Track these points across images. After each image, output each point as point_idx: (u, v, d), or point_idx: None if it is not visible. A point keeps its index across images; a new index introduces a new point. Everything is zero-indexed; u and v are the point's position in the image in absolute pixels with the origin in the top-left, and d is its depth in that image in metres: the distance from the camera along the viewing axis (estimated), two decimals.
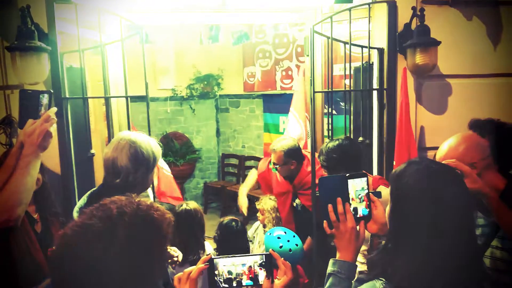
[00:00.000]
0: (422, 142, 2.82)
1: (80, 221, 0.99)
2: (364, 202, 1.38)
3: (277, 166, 3.12)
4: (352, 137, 2.82)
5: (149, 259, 0.99)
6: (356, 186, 1.37)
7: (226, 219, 2.85)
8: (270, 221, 3.10)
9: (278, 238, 2.52)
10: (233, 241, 2.76)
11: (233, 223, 2.80)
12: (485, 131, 1.87)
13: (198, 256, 2.63)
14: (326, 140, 2.83)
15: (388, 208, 1.32)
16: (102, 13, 2.56)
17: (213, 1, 2.78)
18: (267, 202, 3.23)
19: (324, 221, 1.36)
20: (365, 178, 1.39)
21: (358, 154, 2.53)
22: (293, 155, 3.07)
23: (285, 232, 2.59)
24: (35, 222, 2.23)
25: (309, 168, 2.95)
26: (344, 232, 1.33)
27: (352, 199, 1.36)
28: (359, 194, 1.37)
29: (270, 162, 3.28)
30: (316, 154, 2.71)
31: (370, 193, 1.42)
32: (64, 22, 2.61)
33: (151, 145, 1.93)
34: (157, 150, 1.96)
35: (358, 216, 1.37)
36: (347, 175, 1.36)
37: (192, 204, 2.89)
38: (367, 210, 1.39)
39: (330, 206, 1.34)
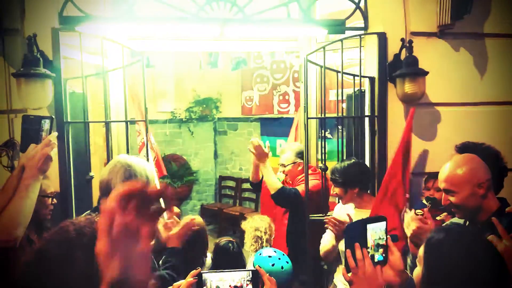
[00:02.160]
0: (412, 167, 2.90)
1: (37, 247, 0.94)
2: (381, 249, 1.35)
3: (285, 168, 3.22)
4: None
5: None
6: (376, 231, 1.34)
7: (223, 240, 2.88)
8: (249, 239, 3.05)
9: (269, 257, 2.57)
10: (230, 263, 2.79)
11: (230, 244, 2.82)
12: (471, 151, 1.96)
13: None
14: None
15: (418, 270, 1.32)
16: (104, 40, 2.67)
17: (211, 31, 2.90)
18: (253, 221, 3.20)
19: (342, 267, 1.33)
20: (384, 222, 1.37)
21: (368, 172, 2.69)
22: (301, 156, 3.21)
23: (275, 252, 2.64)
24: (32, 243, 2.28)
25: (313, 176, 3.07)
26: (362, 278, 1.29)
27: (372, 246, 1.33)
28: (379, 238, 1.35)
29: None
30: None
31: (387, 237, 1.39)
32: (66, 47, 2.72)
33: (146, 169, 1.94)
34: (152, 175, 1.97)
35: (375, 260, 1.34)
36: (366, 219, 1.35)
37: (197, 219, 2.91)
38: (383, 255, 1.36)
39: (348, 252, 1.31)
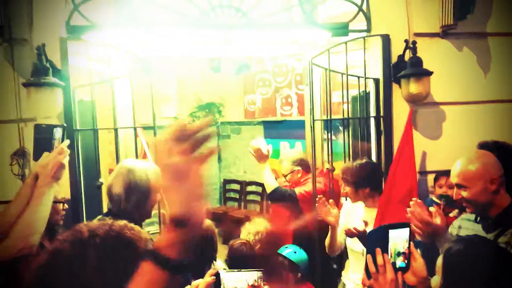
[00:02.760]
0: (418, 166, 2.92)
1: (52, 247, 0.98)
2: (402, 256, 1.34)
3: (286, 178, 3.31)
4: None
5: (124, 279, 0.93)
6: (399, 237, 1.33)
7: (237, 242, 2.90)
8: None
9: (286, 247, 2.65)
10: (245, 264, 2.81)
11: (243, 246, 2.85)
12: (492, 150, 2.00)
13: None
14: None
15: (437, 280, 1.31)
16: (109, 48, 2.70)
17: (215, 36, 2.93)
18: (249, 225, 3.23)
19: (363, 273, 1.32)
20: (408, 229, 1.36)
21: (380, 172, 2.72)
22: (298, 163, 3.26)
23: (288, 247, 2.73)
24: (46, 251, 2.30)
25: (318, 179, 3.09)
26: (383, 284, 1.28)
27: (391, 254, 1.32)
28: (402, 245, 1.34)
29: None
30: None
31: (410, 243, 1.38)
32: (72, 55, 2.74)
33: (148, 174, 1.94)
34: (154, 179, 1.95)
35: (396, 267, 1.32)
36: (389, 225, 1.33)
37: (207, 222, 2.93)
38: (405, 262, 1.35)
39: (369, 257, 1.30)
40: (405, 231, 1.34)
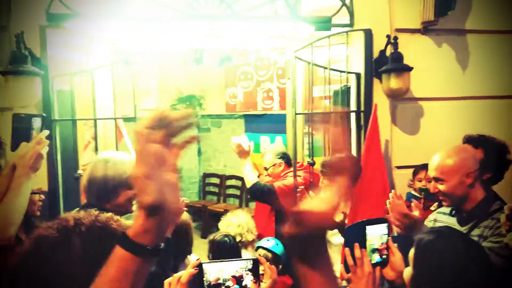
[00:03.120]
0: (397, 161, 2.97)
1: (35, 234, 0.98)
2: (377, 252, 1.37)
3: (268, 171, 3.33)
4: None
5: None
6: (375, 233, 1.36)
7: (218, 235, 2.89)
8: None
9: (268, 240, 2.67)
10: (228, 258, 2.81)
11: (226, 238, 2.85)
12: (478, 144, 2.06)
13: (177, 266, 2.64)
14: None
15: (409, 271, 1.34)
16: (92, 38, 2.65)
17: (199, 28, 2.91)
18: (226, 220, 3.24)
19: (341, 266, 1.34)
20: (386, 224, 1.40)
21: (359, 165, 2.71)
22: (281, 156, 3.30)
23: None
24: (21, 242, 2.26)
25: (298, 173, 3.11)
26: (361, 277, 1.31)
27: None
28: (379, 240, 1.37)
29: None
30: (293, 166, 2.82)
31: (388, 239, 1.41)
32: (52, 45, 2.68)
33: (107, 170, 1.86)
34: (112, 176, 1.86)
35: (374, 262, 1.36)
36: (366, 220, 1.36)
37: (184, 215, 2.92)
38: (381, 257, 1.38)
39: (347, 250, 1.33)
40: (383, 227, 1.38)
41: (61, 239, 0.94)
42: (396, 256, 1.43)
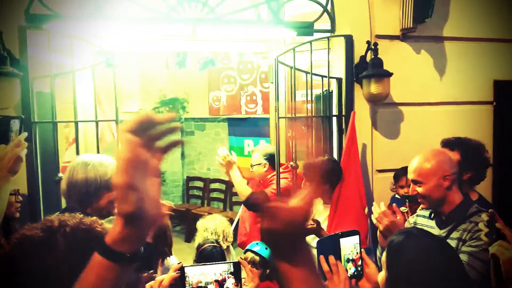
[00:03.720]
0: (377, 165, 3.02)
1: (20, 233, 0.99)
2: (352, 262, 1.41)
3: (253, 168, 3.33)
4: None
5: None
6: (348, 244, 1.40)
7: (207, 245, 2.87)
8: (199, 239, 3.09)
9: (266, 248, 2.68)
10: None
11: (214, 250, 2.83)
12: (454, 146, 2.12)
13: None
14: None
15: (382, 274, 1.36)
16: (73, 39, 2.63)
17: (182, 31, 2.91)
18: (204, 221, 3.22)
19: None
20: (357, 236, 1.43)
21: (340, 169, 2.74)
22: (267, 158, 3.30)
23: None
24: (1, 246, 2.22)
25: (283, 175, 3.15)
26: (337, 284, 1.33)
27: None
28: (353, 251, 1.40)
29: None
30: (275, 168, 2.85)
31: (361, 251, 1.44)
32: (32, 46, 2.65)
33: (88, 173, 1.84)
34: (93, 179, 1.84)
35: (349, 274, 1.38)
36: (339, 233, 1.40)
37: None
38: (359, 268, 1.41)
39: (322, 257, 1.35)
40: (355, 239, 1.42)
41: (45, 239, 0.94)
42: (371, 267, 1.47)
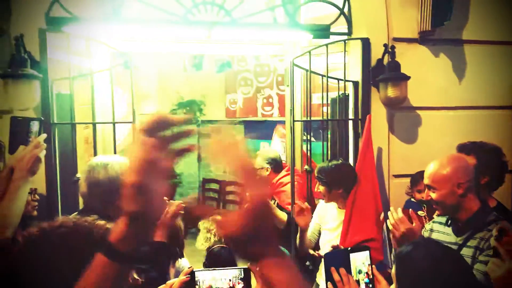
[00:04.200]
0: (394, 169, 2.98)
1: (23, 234, 1.03)
2: (365, 274, 1.41)
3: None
4: None
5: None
6: (358, 260, 1.40)
7: (216, 246, 2.89)
8: (201, 239, 3.10)
9: None
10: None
11: (222, 250, 2.84)
12: (469, 151, 2.08)
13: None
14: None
15: (393, 287, 1.35)
16: (91, 41, 2.68)
17: (198, 34, 2.93)
18: (206, 222, 3.24)
19: (329, 282, 1.36)
20: (367, 252, 1.43)
21: (355, 173, 2.71)
22: (269, 162, 3.33)
23: None
24: (18, 243, 2.26)
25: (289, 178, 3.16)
26: None
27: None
28: (361, 268, 1.40)
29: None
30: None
31: (372, 267, 1.45)
32: (51, 48, 2.71)
33: (109, 171, 1.87)
34: (115, 177, 1.85)
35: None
36: (349, 249, 1.41)
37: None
38: (368, 279, 1.42)
39: (333, 268, 1.36)
40: (365, 254, 1.42)
41: (42, 240, 0.96)
42: (382, 284, 1.46)
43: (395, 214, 1.91)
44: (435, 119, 3.04)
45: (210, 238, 3.04)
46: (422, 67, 2.99)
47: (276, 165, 3.36)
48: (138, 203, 0.67)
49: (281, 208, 3.21)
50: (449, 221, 2.00)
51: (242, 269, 1.46)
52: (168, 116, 0.71)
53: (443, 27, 2.88)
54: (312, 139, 4.13)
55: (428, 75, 3.01)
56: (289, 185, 3.13)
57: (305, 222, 2.67)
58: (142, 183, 0.67)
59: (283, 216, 3.13)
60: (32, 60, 2.49)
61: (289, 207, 3.11)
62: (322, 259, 1.43)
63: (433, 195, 1.91)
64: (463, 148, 2.21)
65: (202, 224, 3.20)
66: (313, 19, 3.52)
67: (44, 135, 1.99)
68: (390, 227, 1.91)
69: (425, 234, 2.09)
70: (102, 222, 1.04)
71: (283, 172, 3.30)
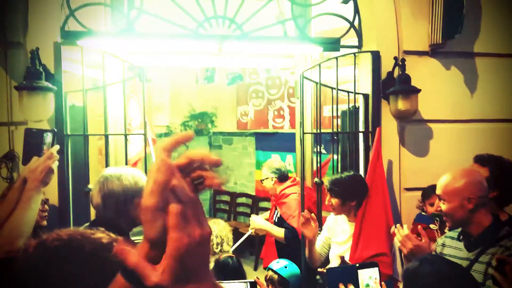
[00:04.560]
0: (405, 183, 2.95)
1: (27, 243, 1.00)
2: None
3: (262, 182, 3.49)
4: None
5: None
6: (366, 275, 1.39)
7: (223, 256, 2.89)
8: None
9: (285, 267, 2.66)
10: (230, 278, 2.81)
11: (230, 260, 2.84)
12: (485, 163, 2.06)
13: None
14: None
15: None
16: (105, 54, 2.73)
17: (209, 47, 2.97)
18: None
19: None
20: (376, 268, 1.43)
21: (365, 185, 2.68)
22: (274, 172, 3.39)
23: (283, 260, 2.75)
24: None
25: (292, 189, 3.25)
26: None
27: None
28: (369, 283, 1.40)
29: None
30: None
31: (382, 284, 1.44)
32: (65, 61, 2.76)
33: (129, 181, 1.89)
34: (130, 187, 1.88)
35: None
36: (357, 265, 1.40)
37: None
38: None
39: (341, 285, 1.36)
40: (374, 271, 1.42)
41: (38, 253, 0.93)
42: None
43: (402, 231, 1.89)
44: (446, 132, 3.01)
45: (212, 240, 3.09)
46: (433, 80, 2.98)
47: (281, 175, 3.40)
48: (159, 228, 0.64)
49: (283, 220, 3.23)
50: (461, 236, 1.98)
51: (248, 283, 1.45)
52: (192, 136, 0.67)
53: (454, 40, 2.87)
54: (323, 151, 4.13)
55: (439, 88, 2.99)
56: (291, 197, 3.21)
57: (313, 234, 2.65)
58: (162, 207, 0.63)
59: (279, 233, 3.21)
60: (47, 73, 2.55)
61: (292, 220, 3.13)
62: (326, 274, 1.42)
63: (443, 207, 1.89)
64: (480, 159, 2.18)
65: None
66: (324, 32, 3.54)
67: (57, 147, 2.03)
68: (398, 244, 1.89)
69: (437, 249, 2.06)
70: (99, 235, 1.03)
71: (287, 183, 3.34)
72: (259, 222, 3.46)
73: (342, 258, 2.38)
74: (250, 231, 3.61)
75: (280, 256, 3.14)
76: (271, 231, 3.33)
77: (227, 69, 6.32)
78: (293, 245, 3.11)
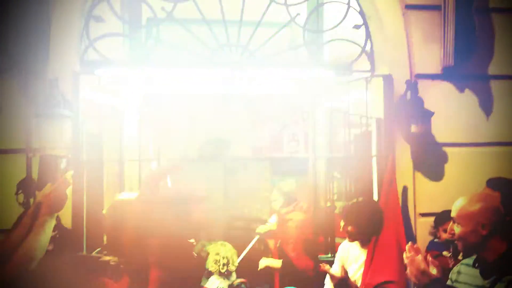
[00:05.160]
0: (420, 208, 2.90)
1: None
2: None
3: (271, 202, 3.67)
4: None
5: None
6: None
7: (236, 281, 2.91)
8: (211, 261, 3.21)
9: None
10: None
11: (243, 285, 2.85)
12: (496, 186, 2.01)
13: None
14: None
15: None
16: (122, 84, 2.81)
17: (224, 73, 3.03)
18: (215, 246, 3.33)
19: None
20: None
21: (381, 211, 2.61)
22: (282, 194, 3.54)
23: None
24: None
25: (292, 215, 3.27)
26: None
27: None
28: None
29: None
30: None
31: None
32: (83, 88, 2.83)
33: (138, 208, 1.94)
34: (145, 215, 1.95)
35: None
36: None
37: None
38: None
39: None
40: None
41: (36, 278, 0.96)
42: None
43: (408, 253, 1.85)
44: (461, 155, 2.97)
45: (219, 260, 3.18)
46: (446, 102, 2.96)
47: (288, 197, 3.49)
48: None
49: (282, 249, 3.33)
50: (476, 263, 1.92)
51: None
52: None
53: (467, 62, 2.86)
54: (337, 175, 4.10)
55: (453, 110, 2.97)
56: (289, 223, 3.27)
57: (334, 282, 2.61)
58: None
59: (276, 264, 3.35)
60: (65, 101, 2.62)
61: (291, 253, 3.23)
62: None
63: (457, 230, 1.85)
64: (491, 183, 2.14)
65: (211, 248, 3.33)
66: (336, 57, 3.56)
67: (71, 172, 2.07)
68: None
69: (453, 276, 2.00)
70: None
71: (289, 208, 3.40)
72: (265, 262, 3.56)
73: (346, 272, 2.35)
74: (256, 237, 3.79)
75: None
76: (277, 266, 3.41)
77: (242, 95, 6.38)
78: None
